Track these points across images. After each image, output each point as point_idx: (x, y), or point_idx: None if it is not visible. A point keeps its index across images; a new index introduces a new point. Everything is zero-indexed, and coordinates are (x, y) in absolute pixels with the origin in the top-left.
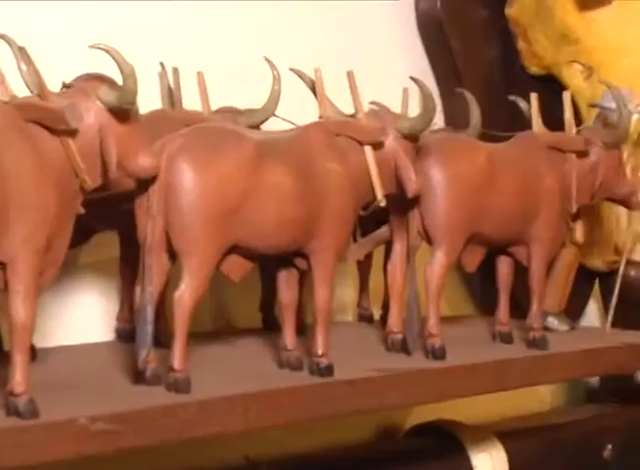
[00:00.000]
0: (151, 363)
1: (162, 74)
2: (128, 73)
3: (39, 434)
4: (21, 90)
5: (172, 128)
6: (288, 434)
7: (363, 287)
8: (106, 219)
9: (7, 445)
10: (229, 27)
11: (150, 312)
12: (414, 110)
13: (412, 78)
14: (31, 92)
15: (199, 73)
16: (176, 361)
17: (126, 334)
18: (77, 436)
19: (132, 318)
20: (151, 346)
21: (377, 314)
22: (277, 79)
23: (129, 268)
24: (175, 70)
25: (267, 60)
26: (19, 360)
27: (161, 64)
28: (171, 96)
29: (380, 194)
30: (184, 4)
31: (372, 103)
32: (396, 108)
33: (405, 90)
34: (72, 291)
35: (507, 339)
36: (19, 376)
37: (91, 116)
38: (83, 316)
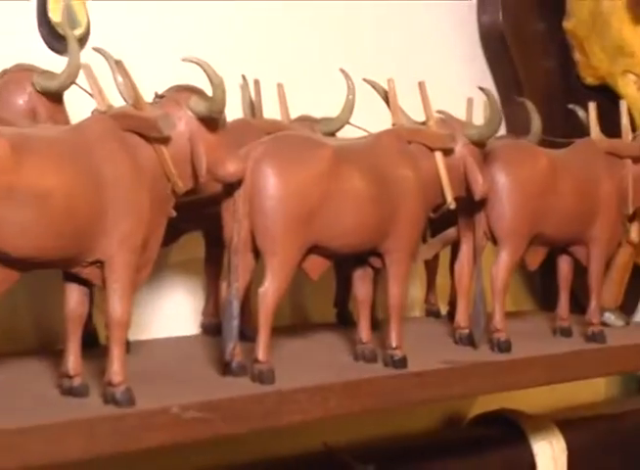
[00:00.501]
0: (237, 356)
1: (244, 86)
2: (218, 85)
3: (135, 421)
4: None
5: (254, 136)
6: (360, 422)
7: (430, 284)
8: (192, 221)
9: (105, 432)
10: (306, 41)
11: (236, 308)
12: (475, 118)
13: (480, 88)
14: (126, 102)
15: (279, 85)
16: (261, 353)
17: (211, 328)
18: (170, 423)
19: (217, 313)
20: (237, 339)
21: (443, 310)
22: (351, 89)
23: (214, 267)
24: (256, 82)
25: (342, 71)
26: (116, 353)
27: (243, 76)
28: (252, 106)
29: (450, 197)
30: (265, 21)
31: (439, 112)
32: (460, 116)
33: (470, 99)
34: (162, 288)
35: (567, 333)
36: (116, 367)
37: (182, 124)
38: (172, 311)
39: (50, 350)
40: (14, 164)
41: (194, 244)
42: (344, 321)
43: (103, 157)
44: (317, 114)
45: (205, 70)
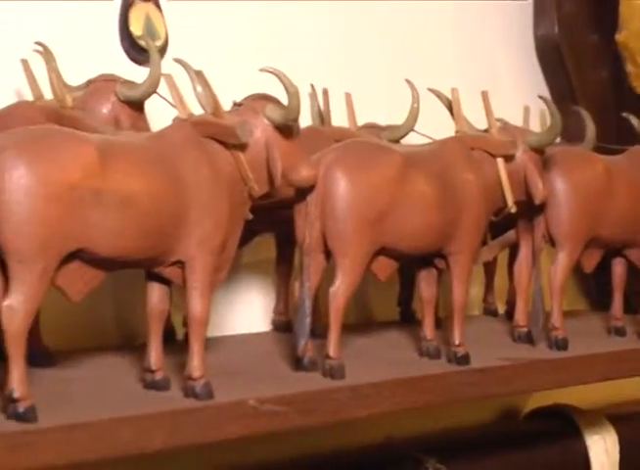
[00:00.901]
0: (308, 352)
1: (313, 95)
2: (293, 94)
3: (214, 414)
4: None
5: (323, 143)
6: (421, 415)
7: (489, 285)
8: (265, 223)
9: (186, 424)
10: (372, 53)
11: (308, 306)
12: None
13: (540, 97)
14: (204, 110)
15: (347, 94)
16: (332, 350)
17: (282, 325)
18: (247, 416)
19: (287, 311)
20: (309, 336)
21: (501, 309)
22: (416, 98)
23: (284, 267)
24: (325, 92)
25: (408, 81)
26: (196, 349)
27: (312, 85)
28: (320, 114)
29: (511, 201)
30: (334, 34)
31: (497, 120)
32: (516, 124)
33: (526, 108)
34: (236, 287)
35: (621, 333)
36: (196, 362)
37: (259, 131)
38: (245, 310)
39: (131, 345)
40: (101, 169)
41: (265, 245)
42: (407, 319)
43: (184, 162)
44: (382, 121)
45: (281, 80)
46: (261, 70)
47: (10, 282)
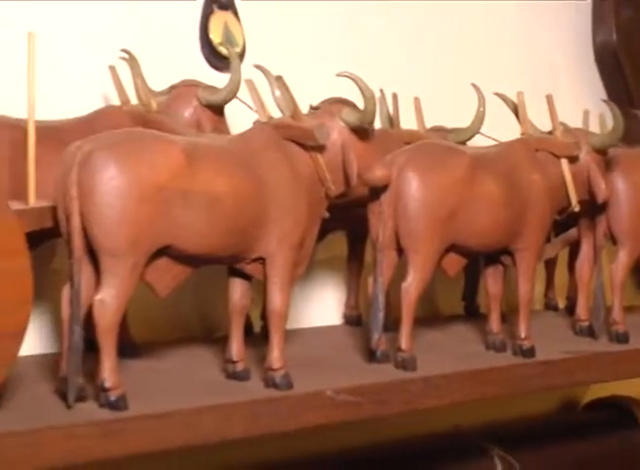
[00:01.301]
0: (381, 345)
1: (382, 99)
2: (369, 98)
3: (293, 403)
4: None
5: (394, 145)
6: (486, 405)
7: (550, 280)
8: (337, 221)
9: (267, 413)
10: (440, 58)
11: (381, 301)
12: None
13: (604, 101)
14: (282, 114)
15: (415, 99)
16: (404, 343)
17: (353, 319)
18: (324, 405)
19: (357, 306)
20: (382, 329)
21: (561, 304)
22: (482, 101)
23: (355, 264)
24: (394, 96)
25: (474, 85)
26: (275, 341)
27: (381, 90)
28: (389, 117)
29: (574, 201)
30: (402, 40)
31: (560, 123)
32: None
33: (586, 111)
34: (309, 282)
35: None
36: (276, 353)
37: (335, 134)
38: (318, 304)
39: (211, 338)
40: (188, 170)
41: (338, 243)
42: (471, 313)
43: (266, 163)
44: (449, 124)
45: (357, 84)
46: (338, 74)
47: (101, 277)
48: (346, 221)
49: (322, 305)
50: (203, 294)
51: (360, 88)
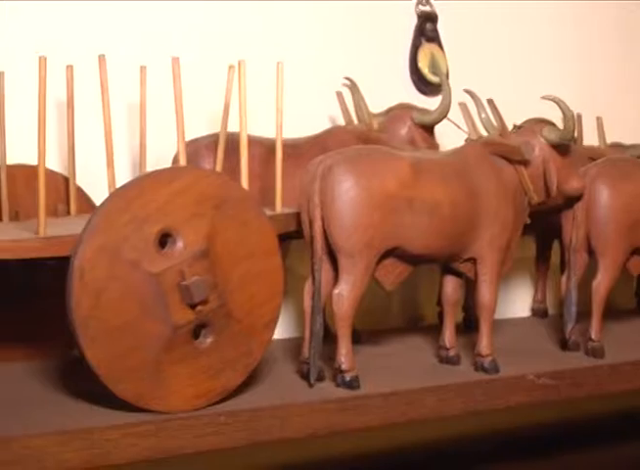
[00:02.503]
0: (573, 334)
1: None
2: (570, 117)
3: (500, 386)
4: None
5: (578, 160)
6: None
7: None
8: (528, 226)
9: (478, 393)
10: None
11: (574, 296)
12: None
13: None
14: (488, 133)
15: (598, 118)
16: (594, 333)
17: (540, 312)
18: (527, 388)
19: (544, 300)
20: (575, 321)
21: None
22: None
23: (542, 264)
24: (579, 116)
25: None
26: (485, 331)
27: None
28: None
29: None
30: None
31: None
32: None
33: None
34: (503, 279)
35: None
36: (485, 342)
37: (537, 149)
38: (511, 298)
39: (417, 326)
40: (413, 181)
41: (527, 245)
42: None
43: (477, 175)
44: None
45: (559, 106)
46: (543, 97)
47: (339, 274)
48: (536, 226)
49: (512, 300)
50: (407, 288)
51: (562, 109)
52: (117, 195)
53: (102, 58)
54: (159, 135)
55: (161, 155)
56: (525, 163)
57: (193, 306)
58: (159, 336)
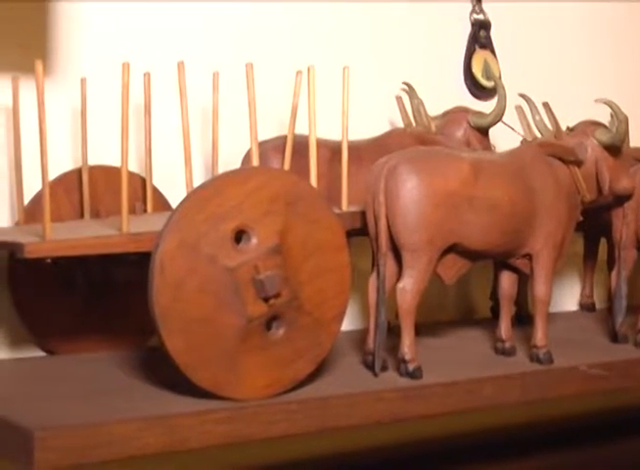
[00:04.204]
0: (623, 327)
1: (612, 122)
2: (622, 120)
3: (554, 376)
4: None
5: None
6: None
7: None
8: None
9: (534, 383)
10: None
11: (624, 290)
12: None
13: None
14: (541, 134)
15: None
16: None
17: (587, 306)
18: (580, 378)
19: (591, 295)
20: (624, 314)
21: None
22: None
23: (590, 259)
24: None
25: None
26: (540, 324)
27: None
28: None
29: None
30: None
31: None
32: None
33: None
34: None
35: None
36: (540, 334)
37: (589, 150)
38: (559, 292)
39: (471, 319)
40: (473, 180)
41: (575, 241)
42: None
43: (533, 175)
44: None
45: (612, 108)
46: (597, 100)
47: (403, 269)
48: (584, 224)
49: (561, 294)
50: (462, 283)
51: (614, 112)
52: (196, 194)
53: (181, 64)
54: (227, 137)
55: (230, 156)
56: (579, 163)
57: (266, 300)
58: (234, 327)
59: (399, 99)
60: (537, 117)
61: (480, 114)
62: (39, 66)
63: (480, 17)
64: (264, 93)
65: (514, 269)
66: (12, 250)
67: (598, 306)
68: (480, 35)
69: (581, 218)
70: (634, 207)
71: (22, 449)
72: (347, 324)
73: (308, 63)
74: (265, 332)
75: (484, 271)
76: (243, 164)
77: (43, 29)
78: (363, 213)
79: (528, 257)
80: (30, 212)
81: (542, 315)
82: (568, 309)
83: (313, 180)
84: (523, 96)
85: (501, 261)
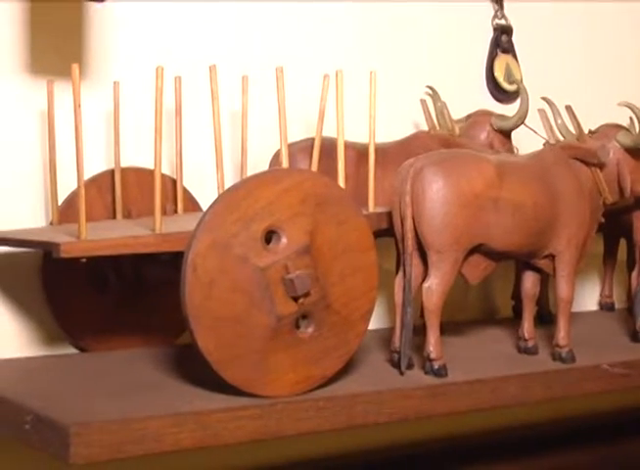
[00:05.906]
0: None
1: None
2: None
3: (577, 374)
4: None
5: None
6: None
7: None
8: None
9: (556, 381)
10: None
11: None
12: None
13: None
14: (562, 137)
15: None
16: None
17: (606, 306)
18: (601, 377)
19: (611, 295)
20: None
21: None
22: None
23: (610, 260)
24: None
25: None
26: (562, 323)
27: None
28: None
29: None
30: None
31: None
32: None
33: None
34: None
35: None
36: (563, 333)
37: (611, 153)
38: (580, 293)
39: (490, 319)
40: (498, 182)
41: (595, 242)
42: None
43: (556, 177)
44: None
45: (634, 112)
46: (619, 104)
47: (429, 269)
48: (604, 225)
49: (581, 294)
50: (484, 283)
51: (636, 115)
52: (227, 195)
53: (212, 68)
54: (255, 139)
55: (258, 157)
56: (601, 165)
57: (296, 299)
58: (264, 326)
59: (423, 102)
60: (559, 121)
61: (502, 116)
62: (75, 69)
63: (502, 22)
64: (292, 96)
65: (536, 269)
66: (48, 249)
67: (617, 307)
68: (502, 40)
69: (603, 220)
70: None
71: (59, 444)
72: (374, 323)
73: (336, 67)
74: (294, 330)
75: (506, 271)
76: (271, 165)
77: (78, 34)
78: (389, 214)
79: (551, 257)
80: (64, 213)
81: (565, 315)
82: (588, 309)
83: (341, 182)
84: (545, 99)
85: (524, 262)
